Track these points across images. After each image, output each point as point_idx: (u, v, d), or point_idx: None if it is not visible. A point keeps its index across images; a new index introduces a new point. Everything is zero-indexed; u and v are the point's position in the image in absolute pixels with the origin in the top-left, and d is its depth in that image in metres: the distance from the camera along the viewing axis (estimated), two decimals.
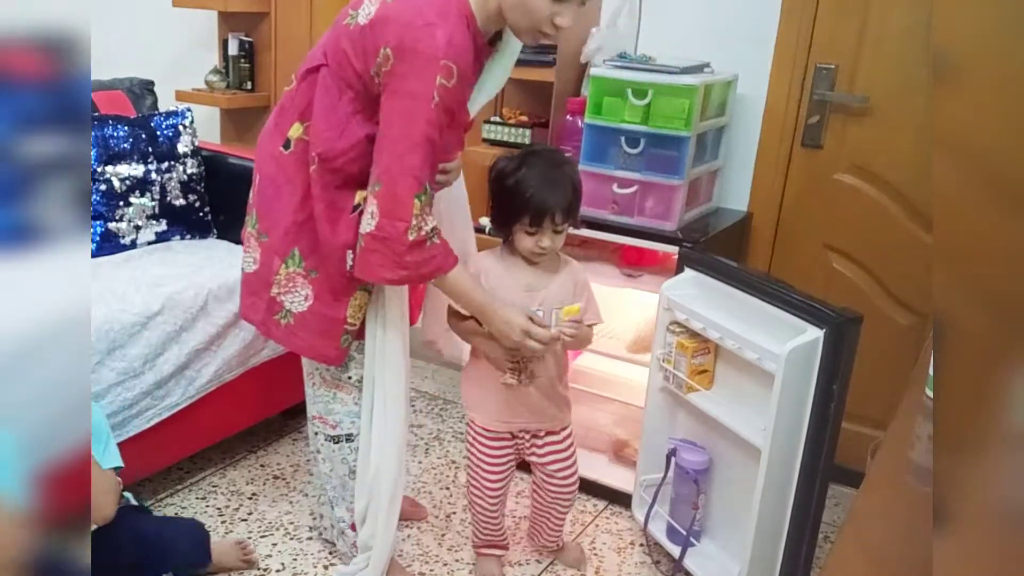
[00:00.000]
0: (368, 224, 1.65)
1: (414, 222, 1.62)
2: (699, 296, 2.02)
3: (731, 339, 1.88)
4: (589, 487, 2.40)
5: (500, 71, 1.88)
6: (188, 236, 2.61)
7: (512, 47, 1.87)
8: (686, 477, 2.05)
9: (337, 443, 1.93)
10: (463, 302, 1.81)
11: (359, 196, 1.73)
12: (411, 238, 1.63)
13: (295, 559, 2.09)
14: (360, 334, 1.84)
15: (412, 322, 2.02)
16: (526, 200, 1.77)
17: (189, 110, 2.67)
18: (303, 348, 1.84)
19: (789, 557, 1.81)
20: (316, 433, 1.97)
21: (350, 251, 1.75)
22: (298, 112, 1.76)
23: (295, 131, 1.76)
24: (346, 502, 1.97)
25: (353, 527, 1.97)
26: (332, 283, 1.78)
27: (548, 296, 1.84)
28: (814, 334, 1.71)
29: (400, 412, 1.86)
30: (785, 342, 1.71)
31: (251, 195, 1.87)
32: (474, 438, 2.00)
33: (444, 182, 1.95)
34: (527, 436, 1.98)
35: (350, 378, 1.89)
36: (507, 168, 1.84)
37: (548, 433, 1.98)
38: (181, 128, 2.60)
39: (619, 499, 2.40)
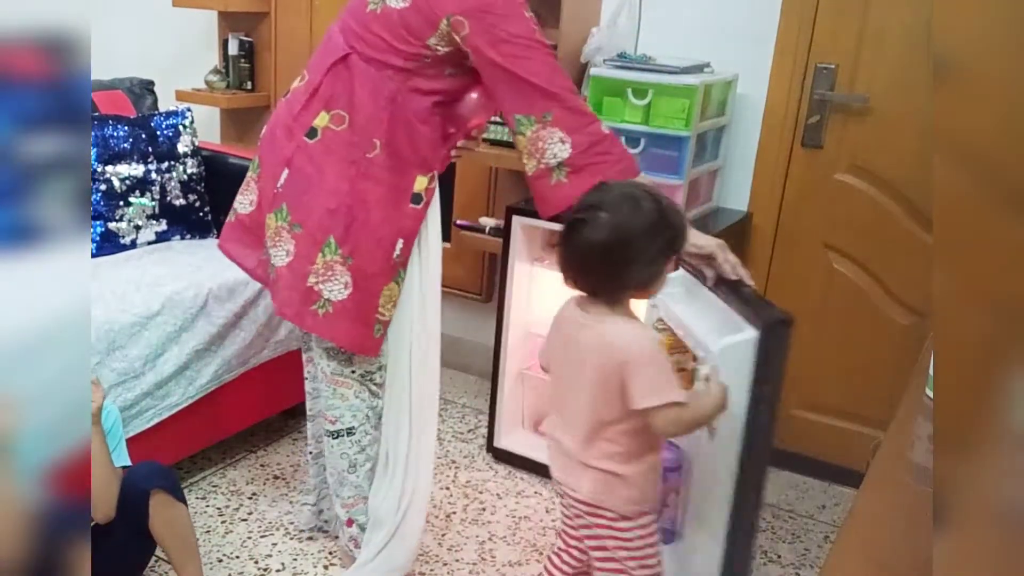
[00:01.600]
0: (564, 150, 1.67)
1: (600, 126, 1.69)
2: (683, 294, 2.02)
3: (686, 336, 1.88)
4: None
5: None
6: (188, 236, 2.61)
7: None
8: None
9: (336, 438, 1.92)
10: None
11: (419, 183, 1.78)
12: (608, 131, 1.70)
13: (295, 559, 2.09)
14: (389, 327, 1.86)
15: None
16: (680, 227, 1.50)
17: (189, 110, 2.67)
18: (343, 337, 1.82)
19: (726, 554, 1.78)
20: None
21: (401, 240, 1.78)
22: (323, 101, 1.77)
23: (321, 120, 1.77)
24: (341, 498, 1.97)
25: (349, 523, 1.97)
26: (369, 271, 1.79)
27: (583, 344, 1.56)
28: (750, 334, 1.71)
29: (435, 415, 1.93)
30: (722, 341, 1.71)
31: (273, 188, 1.82)
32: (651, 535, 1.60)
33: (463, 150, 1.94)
34: None
35: (353, 372, 1.88)
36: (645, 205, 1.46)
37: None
38: (181, 128, 2.60)
39: None
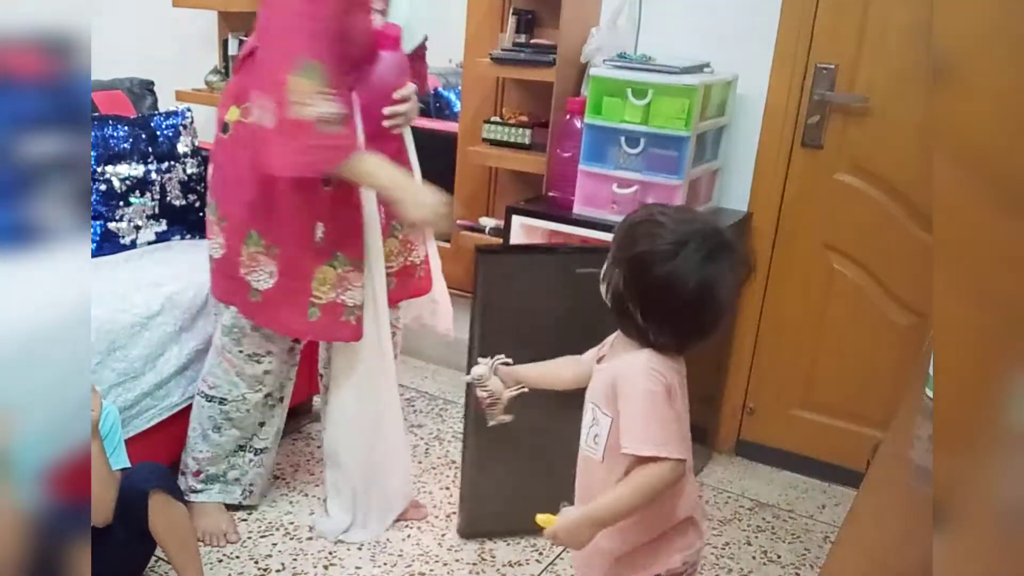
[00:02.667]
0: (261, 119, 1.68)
1: (292, 98, 1.60)
2: None
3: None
4: None
5: None
6: (188, 236, 2.61)
7: None
8: None
9: (209, 401, 2.06)
10: (371, 181, 1.77)
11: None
12: (293, 116, 1.60)
13: (295, 559, 2.09)
14: (330, 311, 1.91)
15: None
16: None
17: (189, 110, 2.67)
18: (272, 322, 1.93)
19: None
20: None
21: (320, 223, 1.82)
22: (233, 97, 1.83)
23: (232, 115, 1.83)
24: (196, 450, 2.11)
25: (197, 473, 2.11)
26: (294, 257, 1.85)
27: (591, 384, 1.39)
28: None
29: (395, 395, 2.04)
30: None
31: (209, 184, 1.97)
32: None
33: (397, 121, 1.91)
34: None
35: (241, 352, 1.98)
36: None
37: None
38: (181, 128, 2.60)
39: None
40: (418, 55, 2.04)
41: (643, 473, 1.23)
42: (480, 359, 1.49)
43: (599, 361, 1.39)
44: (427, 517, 2.29)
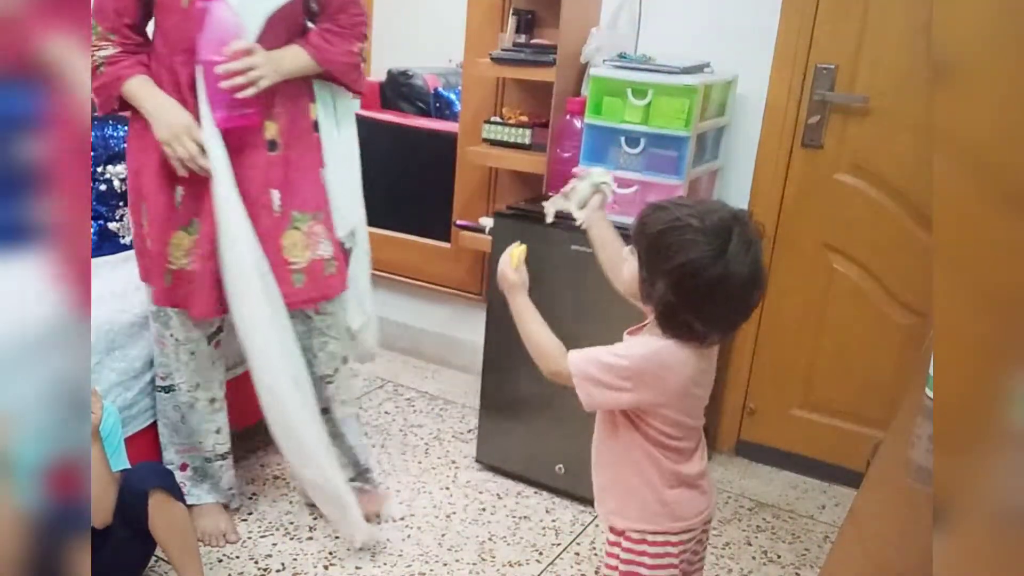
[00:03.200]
0: None
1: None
2: None
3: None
4: None
5: None
6: None
7: None
8: None
9: (167, 392, 2.08)
10: (136, 103, 1.87)
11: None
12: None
13: (295, 559, 2.09)
14: (180, 294, 1.95)
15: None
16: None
17: None
18: (153, 293, 1.99)
19: None
20: None
21: (180, 187, 1.88)
22: None
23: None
24: (175, 445, 2.13)
25: (183, 467, 2.13)
26: (154, 225, 1.92)
27: None
28: None
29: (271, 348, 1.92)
30: None
31: None
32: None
33: (235, 82, 1.79)
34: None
35: (172, 335, 2.00)
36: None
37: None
38: None
39: None
40: (303, 10, 1.94)
41: (562, 357, 1.37)
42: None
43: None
44: (380, 508, 2.26)
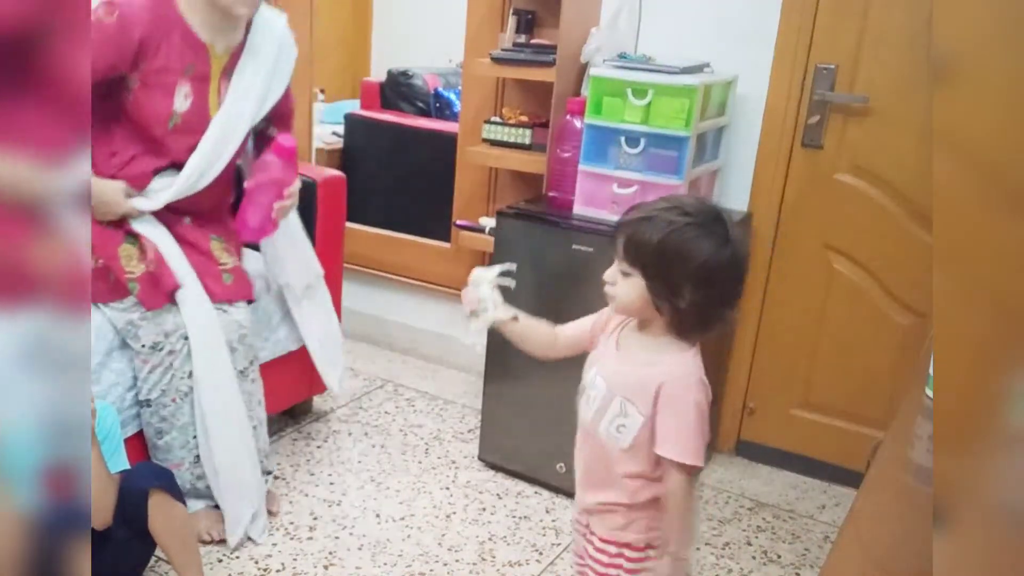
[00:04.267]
0: None
1: None
2: None
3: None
4: None
5: (252, 74, 2.08)
6: None
7: (260, 48, 2.09)
8: None
9: (147, 407, 2.05)
10: None
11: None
12: None
13: (295, 559, 2.09)
14: (149, 296, 1.99)
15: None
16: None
17: None
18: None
19: None
20: None
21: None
22: None
23: None
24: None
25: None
26: (98, 247, 1.98)
27: (613, 373, 1.39)
28: None
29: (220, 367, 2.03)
30: None
31: None
32: None
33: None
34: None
35: (143, 346, 2.00)
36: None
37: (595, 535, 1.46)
38: None
39: None
40: None
41: (678, 482, 1.32)
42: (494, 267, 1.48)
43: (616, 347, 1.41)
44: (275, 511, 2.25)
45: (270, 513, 2.22)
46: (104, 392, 1.97)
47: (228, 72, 2.07)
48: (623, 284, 1.32)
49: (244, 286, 2.18)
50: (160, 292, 2.00)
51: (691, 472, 1.32)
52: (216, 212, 2.22)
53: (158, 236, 2.05)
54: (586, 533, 1.47)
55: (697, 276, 1.26)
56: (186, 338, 2.00)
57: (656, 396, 1.31)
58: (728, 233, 1.28)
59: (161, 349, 1.99)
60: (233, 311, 2.11)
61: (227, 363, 2.04)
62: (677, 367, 1.33)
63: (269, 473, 2.29)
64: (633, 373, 1.35)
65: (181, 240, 2.08)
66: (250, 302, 2.20)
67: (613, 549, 1.42)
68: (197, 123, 2.03)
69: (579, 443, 1.47)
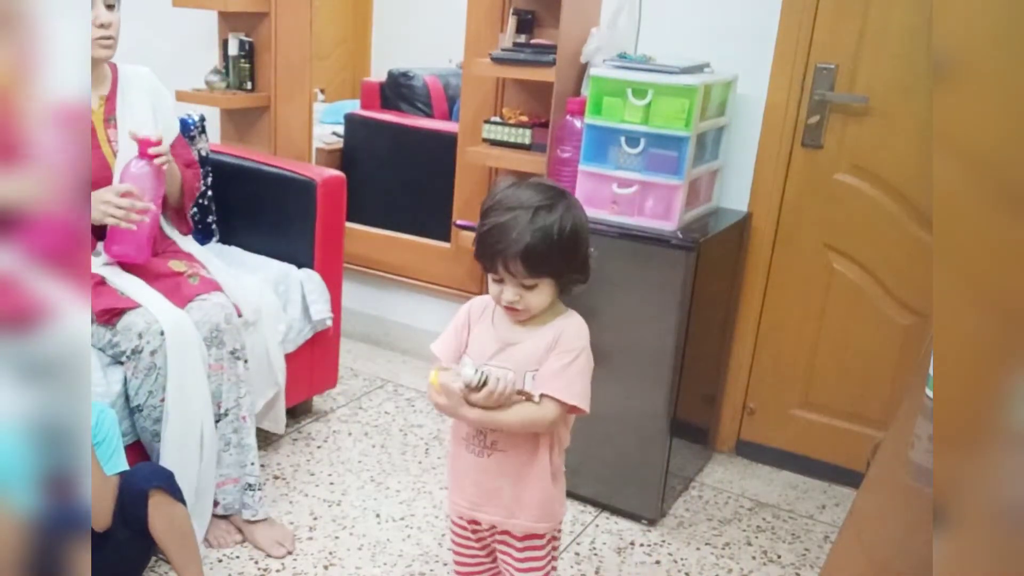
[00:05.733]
0: None
1: None
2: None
3: None
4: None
5: (139, 111, 2.19)
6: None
7: (132, 85, 2.21)
8: None
9: (138, 412, 2.04)
10: None
11: None
12: None
13: (295, 559, 2.09)
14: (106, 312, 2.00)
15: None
16: (479, 235, 1.39)
17: (202, 118, 2.65)
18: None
19: None
20: None
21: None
22: None
23: None
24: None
25: None
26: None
27: (518, 355, 1.43)
28: None
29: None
30: None
31: None
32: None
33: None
34: (493, 533, 1.56)
35: (123, 352, 2.00)
36: (487, 197, 1.44)
37: (511, 536, 1.52)
38: (188, 140, 2.57)
39: None
40: None
41: (551, 409, 1.38)
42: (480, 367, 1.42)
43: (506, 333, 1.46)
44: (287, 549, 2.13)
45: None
46: (102, 395, 1.97)
47: (109, 119, 2.16)
48: (532, 295, 1.38)
49: (213, 283, 2.19)
50: (112, 307, 2.01)
51: (571, 412, 1.41)
52: (161, 242, 2.26)
53: (123, 283, 2.07)
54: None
55: (586, 241, 1.40)
56: (163, 333, 1.98)
57: (547, 354, 1.40)
58: (558, 186, 1.42)
59: (141, 351, 1.98)
60: (212, 297, 2.11)
61: (197, 360, 2.01)
62: (567, 323, 1.43)
63: (252, 488, 2.14)
64: (528, 346, 1.42)
65: (142, 274, 2.11)
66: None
67: (537, 542, 1.53)
68: (98, 173, 2.06)
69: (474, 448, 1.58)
